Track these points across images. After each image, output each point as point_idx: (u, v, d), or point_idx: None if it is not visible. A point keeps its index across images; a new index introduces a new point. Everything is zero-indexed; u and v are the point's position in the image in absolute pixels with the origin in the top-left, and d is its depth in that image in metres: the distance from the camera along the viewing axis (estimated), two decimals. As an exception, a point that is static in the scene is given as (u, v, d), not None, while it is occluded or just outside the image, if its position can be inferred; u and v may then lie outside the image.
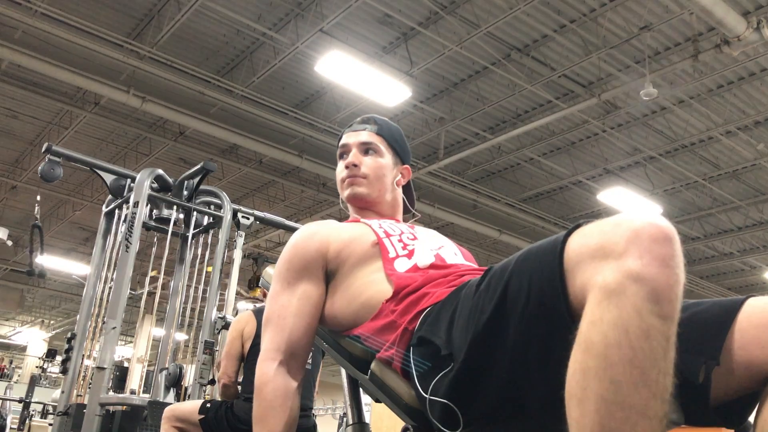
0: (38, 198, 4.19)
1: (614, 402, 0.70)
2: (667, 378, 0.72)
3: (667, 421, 0.72)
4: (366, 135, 1.45)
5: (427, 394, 0.99)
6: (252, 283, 6.57)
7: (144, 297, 4.60)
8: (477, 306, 0.92)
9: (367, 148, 1.44)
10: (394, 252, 1.25)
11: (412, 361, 1.04)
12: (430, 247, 1.28)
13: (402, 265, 1.22)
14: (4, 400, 9.52)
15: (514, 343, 0.86)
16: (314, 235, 1.29)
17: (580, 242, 0.80)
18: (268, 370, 1.20)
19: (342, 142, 1.47)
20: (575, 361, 0.74)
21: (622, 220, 0.78)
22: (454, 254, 1.32)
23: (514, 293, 0.86)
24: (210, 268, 4.07)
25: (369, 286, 1.20)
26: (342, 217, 1.49)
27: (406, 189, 1.54)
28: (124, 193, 4.08)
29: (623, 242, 0.75)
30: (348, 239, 1.27)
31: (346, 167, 1.43)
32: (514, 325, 0.86)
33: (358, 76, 6.92)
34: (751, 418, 0.91)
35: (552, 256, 0.82)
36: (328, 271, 1.26)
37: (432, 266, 1.22)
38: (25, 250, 13.06)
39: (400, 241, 1.28)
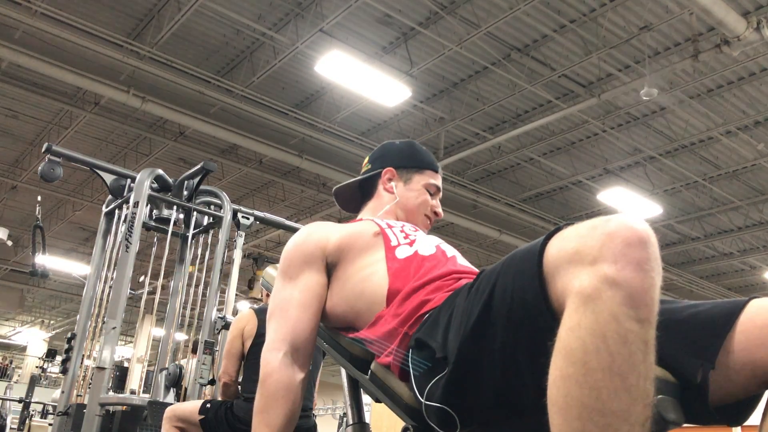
0: (39, 198, 4.20)
1: (595, 408, 0.70)
2: (647, 382, 0.71)
3: (650, 425, 0.71)
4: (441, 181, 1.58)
5: (423, 398, 0.99)
6: (252, 283, 6.58)
7: (144, 297, 4.59)
8: (467, 309, 0.93)
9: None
10: (396, 240, 1.28)
11: (410, 363, 1.04)
12: (431, 242, 1.32)
13: (403, 253, 1.24)
14: (4, 400, 9.52)
15: (502, 346, 0.87)
16: (313, 232, 1.31)
17: (558, 246, 0.80)
18: (273, 360, 1.19)
19: (434, 180, 1.53)
20: (556, 368, 0.74)
21: (597, 223, 0.78)
22: (452, 252, 1.35)
23: (499, 296, 0.87)
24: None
25: (368, 278, 1.22)
26: (342, 218, 1.49)
27: None
28: (124, 193, 4.08)
29: (598, 246, 0.74)
30: (349, 234, 1.30)
31: (434, 212, 1.53)
32: (501, 328, 0.86)
33: (358, 76, 6.92)
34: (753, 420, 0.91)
35: (531, 261, 0.82)
36: (328, 264, 1.28)
37: (433, 257, 1.24)
38: (27, 251, 13.07)
39: (402, 231, 1.32)
